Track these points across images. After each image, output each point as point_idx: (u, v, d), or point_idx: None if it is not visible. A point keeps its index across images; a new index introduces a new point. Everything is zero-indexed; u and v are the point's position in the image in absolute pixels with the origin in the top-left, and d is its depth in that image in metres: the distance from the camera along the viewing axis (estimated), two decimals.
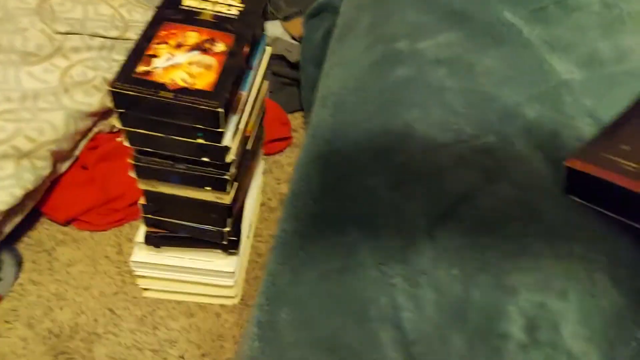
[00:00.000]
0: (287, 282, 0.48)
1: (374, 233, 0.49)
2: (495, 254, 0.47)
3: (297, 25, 1.44)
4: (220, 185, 0.78)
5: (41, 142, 0.96)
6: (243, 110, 0.79)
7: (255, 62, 0.84)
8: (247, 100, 0.80)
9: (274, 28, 1.44)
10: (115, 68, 1.07)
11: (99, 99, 1.05)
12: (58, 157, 1.01)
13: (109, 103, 1.07)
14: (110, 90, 0.68)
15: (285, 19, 1.50)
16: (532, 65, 0.60)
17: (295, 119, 1.27)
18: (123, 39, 1.12)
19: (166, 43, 0.73)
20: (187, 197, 0.81)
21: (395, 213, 0.50)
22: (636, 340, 0.42)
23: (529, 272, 0.46)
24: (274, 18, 1.47)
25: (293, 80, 1.30)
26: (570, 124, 0.55)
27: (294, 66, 1.31)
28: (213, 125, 0.70)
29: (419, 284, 0.46)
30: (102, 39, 1.09)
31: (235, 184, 0.82)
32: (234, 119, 0.75)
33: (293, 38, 1.43)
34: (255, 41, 0.83)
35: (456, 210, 0.50)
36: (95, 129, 1.09)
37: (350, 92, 0.60)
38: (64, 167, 1.05)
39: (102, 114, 1.09)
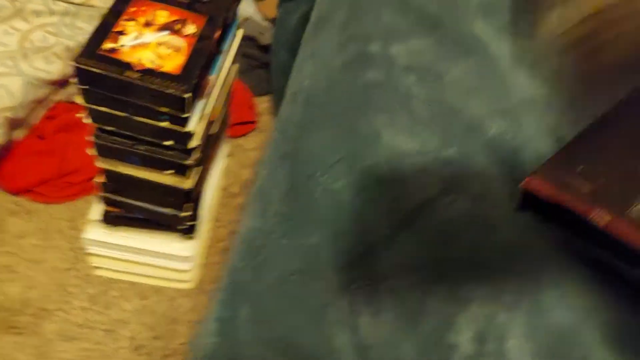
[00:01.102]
0: (248, 280, 0.49)
1: (336, 237, 0.50)
2: (451, 264, 0.49)
3: (271, 5, 1.41)
4: (181, 170, 0.77)
5: None
6: (210, 95, 0.78)
7: (225, 46, 0.82)
8: (214, 85, 0.79)
9: (246, 7, 1.41)
10: (79, 36, 1.03)
11: (59, 67, 1.01)
12: (14, 124, 0.98)
13: (69, 72, 1.03)
14: (73, 65, 0.66)
15: None
16: (498, 79, 0.62)
17: (262, 103, 1.25)
18: (88, 6, 1.08)
19: (135, 20, 0.71)
20: (146, 179, 0.79)
21: (357, 218, 0.51)
22: (582, 358, 0.45)
23: (481, 285, 0.48)
24: None
25: (263, 64, 1.29)
26: (531, 142, 0.57)
27: (265, 49, 1.29)
28: (179, 110, 0.68)
29: (377, 290, 0.47)
30: (65, 4, 1.04)
31: (197, 169, 0.82)
32: (200, 104, 0.74)
33: (266, 19, 1.41)
34: (228, 25, 0.81)
35: (416, 219, 0.51)
36: (54, 98, 1.05)
37: (321, 90, 0.60)
38: (19, 135, 1.01)
39: (62, 83, 1.05)
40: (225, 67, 0.83)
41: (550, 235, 0.51)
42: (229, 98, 0.96)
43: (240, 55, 1.27)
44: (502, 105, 0.59)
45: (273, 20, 1.34)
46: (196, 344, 0.47)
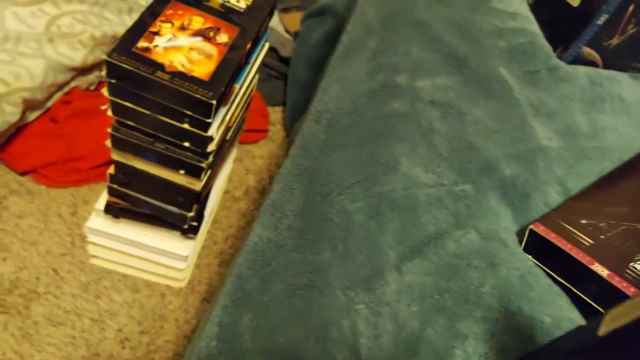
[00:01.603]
0: (255, 289, 0.50)
1: (346, 257, 0.51)
2: (453, 298, 0.50)
3: (294, 19, 1.44)
4: (195, 172, 0.79)
5: (15, 88, 0.93)
6: (232, 103, 0.80)
7: (253, 58, 0.84)
8: (237, 93, 0.81)
9: None
10: (105, 27, 1.05)
11: (82, 55, 1.02)
12: (29, 105, 0.98)
13: (91, 60, 1.04)
14: (106, 60, 0.67)
15: (284, 10, 1.50)
16: (516, 124, 0.64)
17: (275, 113, 1.27)
18: None
19: (171, 23, 0.73)
20: (158, 176, 0.80)
21: (368, 241, 0.52)
22: None
23: (479, 322, 0.49)
24: None
25: (280, 74, 1.31)
26: (541, 188, 0.59)
27: (284, 60, 1.31)
28: (203, 115, 0.70)
29: (380, 314, 0.48)
30: None
31: (209, 172, 0.83)
32: (222, 111, 0.76)
33: (287, 31, 1.44)
34: (258, 37, 0.83)
35: (425, 248, 0.53)
36: (72, 84, 1.06)
37: (346, 113, 0.62)
38: (32, 116, 1.02)
39: (82, 70, 1.06)
40: (249, 77, 0.85)
41: (549, 281, 0.53)
42: (247, 106, 0.98)
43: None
44: (518, 149, 0.62)
45: (295, 34, 1.37)
46: (196, 345, 0.48)
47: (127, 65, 0.67)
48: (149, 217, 0.88)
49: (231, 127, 0.88)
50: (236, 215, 1.08)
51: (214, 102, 0.68)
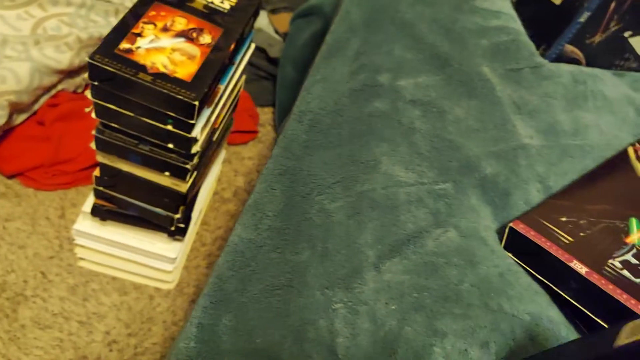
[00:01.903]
0: (234, 290, 0.50)
1: (325, 257, 0.51)
2: (432, 296, 0.50)
3: (283, 20, 1.44)
4: (180, 173, 0.78)
5: (1, 91, 0.93)
6: (217, 104, 0.80)
7: (238, 58, 0.84)
8: (222, 94, 0.81)
9: (259, 19, 1.44)
10: (91, 29, 1.05)
11: (68, 57, 1.02)
12: (15, 108, 0.98)
13: (78, 63, 1.04)
14: (88, 61, 0.67)
15: (273, 11, 1.50)
16: (498, 123, 0.64)
17: (265, 114, 1.27)
18: (104, 1, 1.09)
19: (153, 24, 0.73)
20: (144, 178, 0.80)
21: (347, 240, 0.52)
22: None
23: (458, 319, 0.49)
24: (261, 8, 1.46)
25: (269, 75, 1.31)
26: (521, 186, 0.59)
27: (273, 61, 1.31)
28: (186, 116, 0.70)
29: (358, 313, 0.48)
30: None
31: (195, 174, 0.83)
32: (206, 112, 0.76)
33: (277, 32, 1.44)
34: (243, 38, 0.83)
35: (404, 247, 0.53)
36: (59, 87, 1.06)
37: (328, 113, 0.62)
38: (19, 119, 1.02)
39: (69, 73, 1.06)
40: (235, 78, 0.85)
41: (528, 279, 0.53)
42: (234, 107, 0.98)
43: (248, 64, 1.29)
44: (500, 147, 0.62)
45: (284, 35, 1.37)
46: (175, 346, 0.48)
47: (109, 67, 0.67)
48: (135, 219, 0.88)
49: (217, 128, 0.88)
50: (225, 216, 1.08)
51: (197, 103, 0.68)
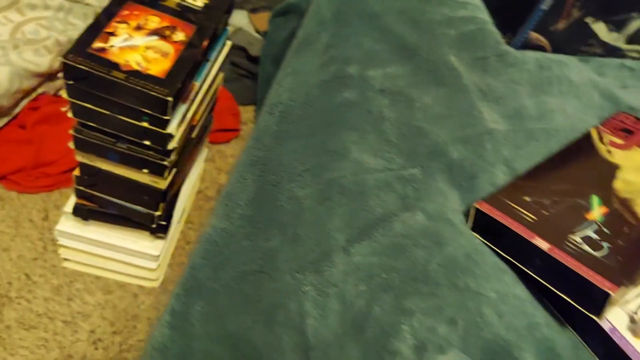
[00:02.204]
0: (207, 277, 0.51)
1: (295, 242, 0.53)
2: (400, 276, 0.52)
3: (263, 19, 1.46)
4: (158, 170, 0.80)
5: None
6: (193, 101, 0.81)
7: (213, 55, 0.86)
8: (198, 91, 0.82)
9: (239, 18, 1.46)
10: (70, 32, 1.06)
11: (48, 60, 1.03)
12: None
13: (57, 66, 1.05)
14: (62, 61, 0.68)
15: (253, 10, 1.51)
16: (464, 109, 0.66)
17: (247, 112, 1.29)
18: (82, 3, 1.10)
19: (127, 23, 0.74)
20: (123, 176, 0.81)
21: (317, 226, 0.54)
22: None
23: (426, 298, 0.51)
24: (241, 8, 1.48)
25: (250, 74, 1.32)
26: (488, 170, 0.61)
27: (254, 59, 1.33)
28: (160, 112, 0.71)
29: (327, 295, 0.50)
30: (60, 0, 1.07)
31: (174, 170, 0.84)
32: (182, 108, 0.77)
33: (257, 31, 1.45)
34: (217, 35, 0.85)
35: (372, 230, 0.54)
36: (39, 90, 1.07)
37: (298, 105, 0.64)
38: (0, 123, 1.02)
39: (49, 76, 1.07)
40: (211, 75, 0.86)
41: (494, 258, 0.55)
42: (213, 105, 0.99)
43: (229, 63, 1.30)
44: (466, 133, 0.63)
45: (264, 34, 1.38)
46: (151, 334, 0.49)
47: (82, 66, 0.68)
48: (117, 218, 0.89)
49: (196, 125, 0.89)
50: (209, 214, 1.09)
51: (170, 99, 0.69)
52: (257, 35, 1.42)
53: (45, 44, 1.03)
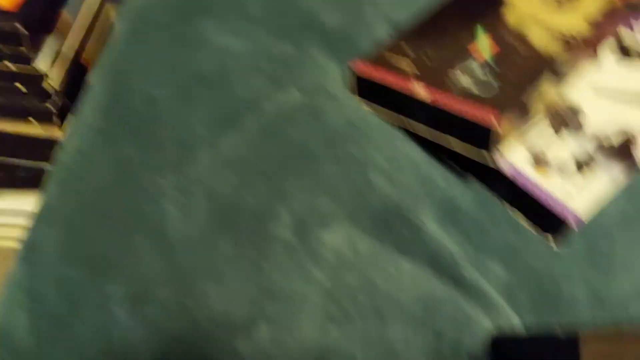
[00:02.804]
0: (59, 203, 0.46)
1: (153, 146, 0.47)
2: (275, 160, 0.46)
3: None
4: (44, 116, 0.73)
5: None
6: (67, 33, 0.73)
7: None
8: (72, 22, 0.74)
9: None
10: None
11: None
12: None
13: None
14: None
15: None
16: None
17: None
18: None
19: None
20: (12, 132, 0.75)
21: (176, 124, 0.48)
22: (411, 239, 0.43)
23: (305, 176, 0.45)
24: None
25: None
26: (368, 31, 0.54)
27: None
28: (17, 46, 0.64)
29: (192, 193, 0.44)
30: None
31: (71, 117, 0.77)
32: (50, 42, 0.70)
33: None
34: None
35: (241, 118, 0.48)
36: None
37: (151, 5, 0.57)
38: None
39: None
40: (89, 4, 0.78)
41: (379, 122, 0.49)
42: None
43: None
44: None
45: None
46: (7, 274, 0.44)
47: None
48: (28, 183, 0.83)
49: (89, 65, 0.82)
50: None
51: (21, 27, 0.62)
52: None
53: None
